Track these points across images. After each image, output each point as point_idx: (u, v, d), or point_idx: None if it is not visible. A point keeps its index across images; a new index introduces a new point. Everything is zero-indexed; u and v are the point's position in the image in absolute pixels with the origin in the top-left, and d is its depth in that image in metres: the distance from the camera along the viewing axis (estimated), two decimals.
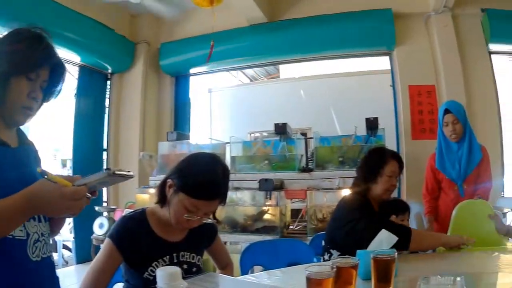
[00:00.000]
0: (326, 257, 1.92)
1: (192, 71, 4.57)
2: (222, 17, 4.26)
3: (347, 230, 1.79)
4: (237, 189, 3.68)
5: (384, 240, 1.46)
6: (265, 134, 5.64)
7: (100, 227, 3.75)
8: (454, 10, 4.14)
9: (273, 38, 4.07)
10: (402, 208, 2.39)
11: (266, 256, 2.16)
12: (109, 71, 4.60)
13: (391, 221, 2.06)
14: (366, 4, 4.03)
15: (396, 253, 1.22)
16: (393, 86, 4.04)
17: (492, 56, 4.41)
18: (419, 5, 4.11)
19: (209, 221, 1.41)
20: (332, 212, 2.13)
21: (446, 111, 2.58)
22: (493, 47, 4.34)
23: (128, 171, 0.91)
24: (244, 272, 2.07)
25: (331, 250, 1.91)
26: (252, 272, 2.15)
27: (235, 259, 2.02)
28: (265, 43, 4.10)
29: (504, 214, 3.71)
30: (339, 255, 1.78)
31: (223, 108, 7.09)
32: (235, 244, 3.67)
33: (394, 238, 1.47)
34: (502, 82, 4.43)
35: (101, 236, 3.70)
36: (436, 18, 4.07)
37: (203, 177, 1.32)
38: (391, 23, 3.95)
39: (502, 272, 1.51)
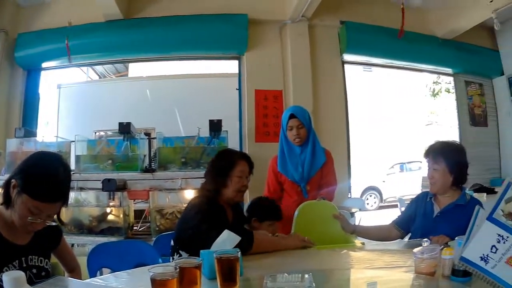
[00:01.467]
0: (176, 257, 1.91)
1: (44, 65, 4.36)
2: (79, 11, 4.13)
3: (194, 232, 1.81)
4: (81, 189, 3.60)
5: (227, 240, 1.50)
6: (109, 133, 5.57)
7: None
8: (311, 20, 4.36)
9: (127, 35, 4.00)
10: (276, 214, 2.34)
11: (113, 258, 2.14)
12: None
13: (239, 224, 2.08)
14: (223, 8, 4.11)
15: (239, 252, 1.26)
16: (240, 89, 4.16)
17: (347, 65, 4.75)
18: (276, 13, 4.26)
19: (53, 223, 1.41)
20: (181, 213, 2.15)
21: (291, 116, 2.63)
22: (347, 57, 4.66)
23: None
24: (92, 274, 2.04)
25: (180, 251, 1.90)
26: (101, 274, 2.13)
27: (84, 261, 2.01)
28: (119, 40, 4.02)
29: (352, 214, 3.98)
30: (188, 256, 1.79)
31: (71, 105, 6.90)
32: (82, 246, 3.59)
33: (237, 238, 1.50)
34: (357, 91, 4.77)
35: None
36: (292, 26, 4.26)
37: (44, 178, 1.31)
38: (245, 29, 4.06)
39: (354, 269, 1.56)
